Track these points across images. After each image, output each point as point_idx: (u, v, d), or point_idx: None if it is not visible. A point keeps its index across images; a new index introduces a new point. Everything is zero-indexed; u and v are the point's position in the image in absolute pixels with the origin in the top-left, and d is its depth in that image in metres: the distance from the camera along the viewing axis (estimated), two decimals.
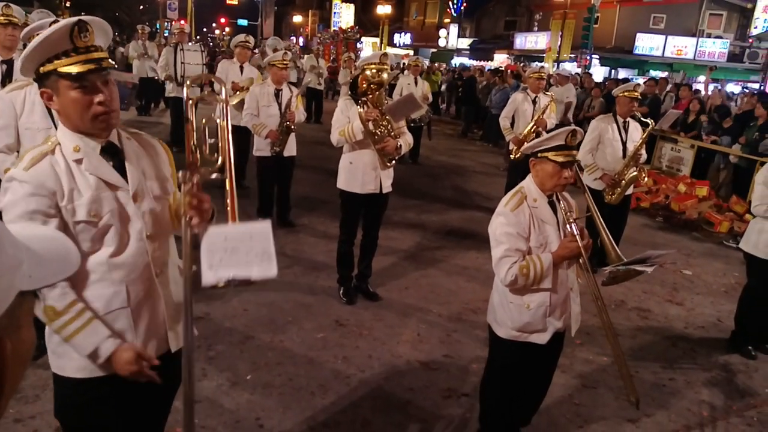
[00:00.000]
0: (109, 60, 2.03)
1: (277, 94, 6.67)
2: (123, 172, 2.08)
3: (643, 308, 5.64)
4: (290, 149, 6.81)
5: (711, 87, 13.87)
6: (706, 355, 4.84)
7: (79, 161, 2.00)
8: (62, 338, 1.98)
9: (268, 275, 2.00)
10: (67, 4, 35.52)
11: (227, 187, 2.17)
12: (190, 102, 2.10)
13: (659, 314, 5.56)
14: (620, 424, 3.80)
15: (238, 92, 7.90)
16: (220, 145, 2.13)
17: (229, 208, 2.17)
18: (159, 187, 2.18)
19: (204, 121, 2.12)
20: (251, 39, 8.98)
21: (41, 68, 1.94)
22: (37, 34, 1.94)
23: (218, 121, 2.15)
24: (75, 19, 1.94)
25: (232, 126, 2.16)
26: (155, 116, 14.36)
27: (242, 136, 7.58)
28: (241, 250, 2.02)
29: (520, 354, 3.09)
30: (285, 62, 6.72)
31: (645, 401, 3.98)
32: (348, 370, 4.10)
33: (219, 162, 2.12)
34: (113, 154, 2.08)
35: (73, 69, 1.91)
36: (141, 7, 44.69)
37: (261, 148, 6.79)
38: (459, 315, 5.14)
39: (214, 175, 2.10)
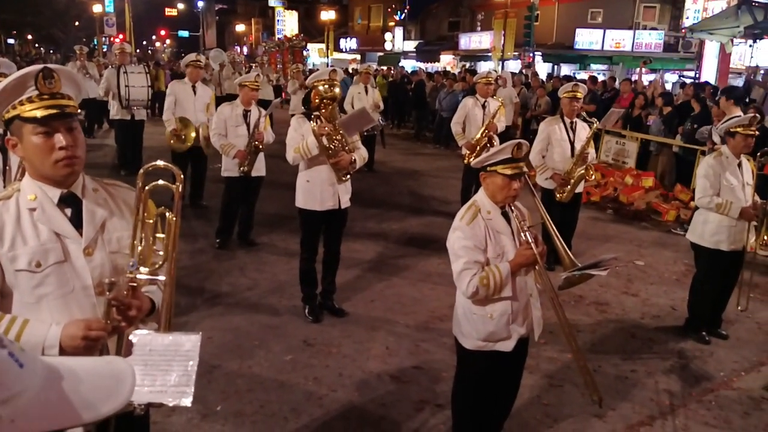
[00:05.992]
0: (76, 107, 2.00)
1: (246, 115, 6.70)
2: (81, 224, 2.03)
3: (600, 302, 5.81)
4: (259, 169, 6.83)
5: (646, 78, 14.28)
6: (664, 344, 5.04)
7: (32, 210, 1.97)
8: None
9: (180, 403, 1.83)
10: None
11: (164, 292, 2.08)
12: (142, 194, 2.03)
13: (616, 306, 5.74)
14: (588, 420, 3.93)
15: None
16: (165, 242, 2.07)
17: (163, 316, 2.08)
18: (118, 242, 2.09)
19: (159, 210, 2.10)
20: (202, 58, 8.94)
21: (6, 114, 1.93)
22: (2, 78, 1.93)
23: (167, 214, 2.07)
24: (40, 66, 1.93)
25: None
26: (99, 138, 14.04)
27: (200, 153, 7.88)
28: (161, 366, 1.89)
29: (487, 363, 3.18)
30: (257, 83, 6.85)
31: (609, 394, 4.12)
32: (320, 391, 4.12)
33: (160, 262, 2.05)
34: (73, 204, 2.04)
35: (36, 113, 1.89)
36: (76, 23, 42.93)
37: (229, 168, 6.79)
38: (426, 324, 5.21)
39: (149, 277, 2.01)
